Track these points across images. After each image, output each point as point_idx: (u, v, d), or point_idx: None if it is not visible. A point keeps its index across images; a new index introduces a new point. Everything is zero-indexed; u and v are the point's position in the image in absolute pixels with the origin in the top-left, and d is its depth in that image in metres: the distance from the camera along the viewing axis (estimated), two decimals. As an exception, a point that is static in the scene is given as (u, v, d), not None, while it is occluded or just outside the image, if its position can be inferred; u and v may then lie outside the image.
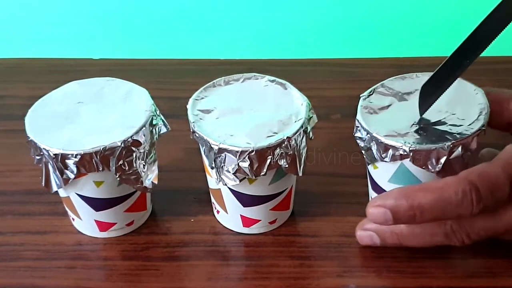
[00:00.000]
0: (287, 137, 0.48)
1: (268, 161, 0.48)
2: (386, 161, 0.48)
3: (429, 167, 0.47)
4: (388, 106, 0.51)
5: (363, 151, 0.50)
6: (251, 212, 0.52)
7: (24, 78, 0.73)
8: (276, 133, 0.49)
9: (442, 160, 0.47)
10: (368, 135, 0.49)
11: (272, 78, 0.54)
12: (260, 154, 0.48)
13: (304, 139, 0.50)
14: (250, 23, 0.91)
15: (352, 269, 0.51)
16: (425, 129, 0.49)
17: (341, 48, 0.85)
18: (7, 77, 0.73)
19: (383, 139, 0.48)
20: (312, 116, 0.51)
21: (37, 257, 0.53)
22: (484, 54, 0.49)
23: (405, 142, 0.47)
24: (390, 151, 0.48)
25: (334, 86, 0.70)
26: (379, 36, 0.89)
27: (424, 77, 0.52)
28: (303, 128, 0.50)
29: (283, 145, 0.48)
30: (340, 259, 0.51)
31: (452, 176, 0.46)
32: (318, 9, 0.90)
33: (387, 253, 0.51)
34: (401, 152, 0.47)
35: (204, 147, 0.50)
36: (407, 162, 0.48)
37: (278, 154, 0.48)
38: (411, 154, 0.47)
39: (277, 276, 0.50)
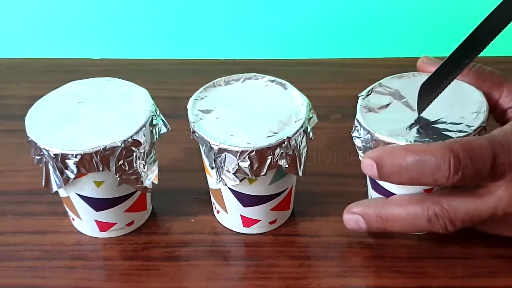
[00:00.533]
0: (287, 137, 0.48)
1: (268, 161, 0.48)
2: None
3: None
4: (387, 105, 0.51)
5: (359, 151, 0.50)
6: (251, 212, 0.52)
7: (24, 78, 0.73)
8: (276, 133, 0.49)
9: None
10: (368, 135, 0.49)
11: (272, 78, 0.54)
12: (260, 154, 0.48)
13: (304, 139, 0.50)
14: (250, 23, 0.91)
15: (352, 269, 0.51)
16: (425, 127, 0.49)
17: (341, 48, 0.85)
18: (7, 77, 0.73)
19: (385, 138, 0.48)
20: (312, 116, 0.51)
21: (37, 257, 0.53)
22: (484, 54, 0.49)
23: (406, 141, 0.47)
24: (391, 151, 0.48)
25: (334, 86, 0.70)
26: (379, 36, 0.89)
27: (420, 76, 0.52)
28: (303, 128, 0.50)
29: (283, 145, 0.48)
30: (340, 259, 0.51)
31: (438, 142, 0.46)
32: (318, 9, 0.90)
33: (387, 253, 0.52)
34: None
35: (204, 147, 0.50)
36: None
37: (278, 154, 0.48)
38: None
39: (277, 276, 0.50)
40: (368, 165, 0.47)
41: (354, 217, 0.50)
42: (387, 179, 0.47)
